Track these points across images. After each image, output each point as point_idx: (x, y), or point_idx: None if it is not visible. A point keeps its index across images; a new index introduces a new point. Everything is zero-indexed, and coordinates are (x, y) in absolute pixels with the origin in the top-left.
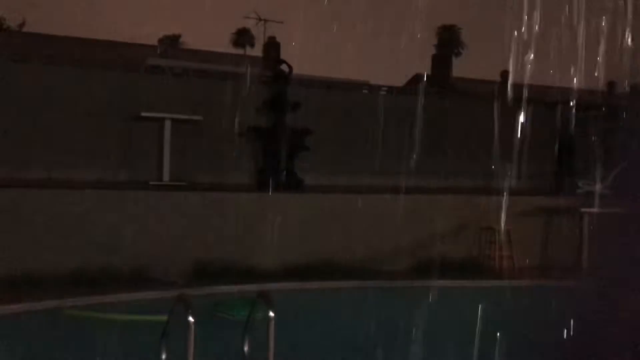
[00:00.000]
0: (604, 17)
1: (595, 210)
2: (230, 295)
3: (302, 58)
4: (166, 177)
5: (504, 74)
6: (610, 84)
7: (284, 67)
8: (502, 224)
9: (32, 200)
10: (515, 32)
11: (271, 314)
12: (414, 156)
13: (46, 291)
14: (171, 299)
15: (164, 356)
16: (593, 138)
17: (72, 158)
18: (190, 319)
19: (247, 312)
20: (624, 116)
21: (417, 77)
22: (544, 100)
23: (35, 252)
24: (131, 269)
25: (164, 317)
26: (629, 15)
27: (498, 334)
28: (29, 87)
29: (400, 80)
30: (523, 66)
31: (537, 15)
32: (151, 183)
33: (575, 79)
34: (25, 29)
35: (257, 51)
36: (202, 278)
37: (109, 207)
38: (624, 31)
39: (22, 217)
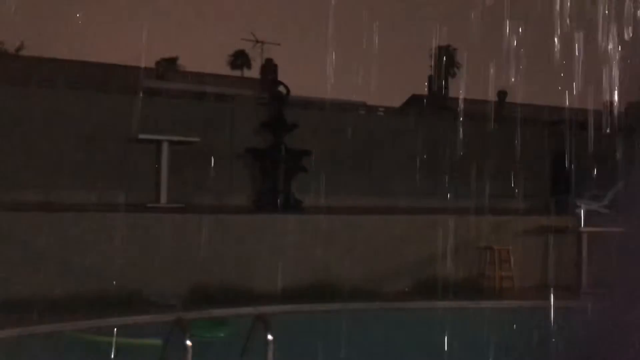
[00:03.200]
0: (601, 38)
1: (594, 229)
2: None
3: (300, 79)
4: (163, 199)
5: (501, 94)
6: (607, 103)
7: (281, 88)
8: (501, 244)
9: (28, 223)
10: (511, 53)
11: (270, 337)
12: (412, 176)
13: (42, 315)
14: (169, 323)
15: None
16: (591, 157)
17: (69, 180)
18: (188, 342)
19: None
20: (622, 135)
21: (414, 98)
22: (541, 119)
23: (30, 276)
24: (128, 292)
25: (159, 341)
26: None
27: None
28: (26, 110)
29: (397, 101)
30: (520, 86)
31: (532, 35)
32: (148, 205)
33: (573, 98)
34: (22, 53)
35: (254, 73)
36: (200, 301)
37: (106, 230)
38: (621, 52)
39: (18, 239)
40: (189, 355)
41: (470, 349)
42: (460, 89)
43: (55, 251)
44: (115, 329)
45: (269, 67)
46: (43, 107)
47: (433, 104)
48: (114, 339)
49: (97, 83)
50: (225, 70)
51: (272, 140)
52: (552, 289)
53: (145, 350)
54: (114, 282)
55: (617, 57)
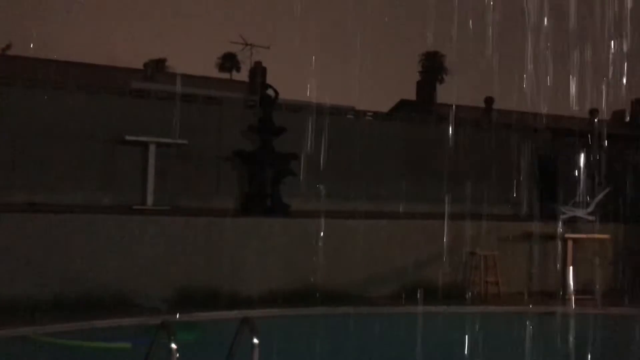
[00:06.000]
0: (586, 47)
1: (579, 235)
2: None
3: (289, 83)
4: (150, 201)
5: (488, 100)
6: (592, 111)
7: (270, 91)
8: (487, 250)
9: (13, 224)
10: (499, 59)
11: (255, 340)
12: (399, 181)
13: (25, 318)
14: (154, 326)
15: None
16: (576, 164)
17: (55, 182)
18: (173, 345)
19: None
20: (606, 142)
21: (402, 103)
22: (528, 126)
23: (14, 277)
24: (113, 295)
25: (127, 345)
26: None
27: None
28: (12, 110)
29: (386, 106)
30: (506, 93)
31: (519, 42)
32: (134, 207)
33: (560, 106)
34: (10, 52)
35: (243, 76)
36: (186, 304)
37: (92, 231)
38: (607, 60)
39: (1, 241)
40: (175, 359)
41: (452, 354)
42: (448, 95)
43: (39, 253)
44: (100, 332)
45: (258, 70)
46: (29, 108)
47: (421, 110)
48: (82, 343)
49: (85, 84)
50: (214, 72)
51: (260, 144)
52: (538, 295)
53: (115, 353)
54: (99, 284)
55: (605, 67)
